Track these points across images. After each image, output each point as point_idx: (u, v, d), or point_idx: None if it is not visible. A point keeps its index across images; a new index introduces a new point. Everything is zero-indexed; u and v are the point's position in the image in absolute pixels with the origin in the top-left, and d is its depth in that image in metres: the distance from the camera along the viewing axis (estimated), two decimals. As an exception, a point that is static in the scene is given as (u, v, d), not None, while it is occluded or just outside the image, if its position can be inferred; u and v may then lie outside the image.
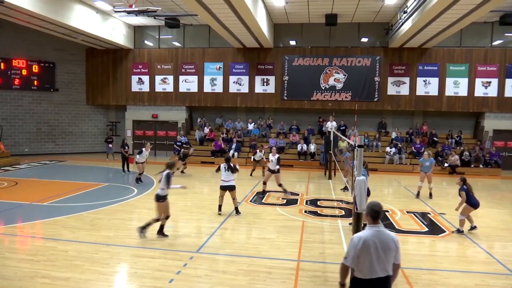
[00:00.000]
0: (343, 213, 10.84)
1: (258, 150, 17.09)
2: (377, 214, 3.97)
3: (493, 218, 10.73)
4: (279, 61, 22.48)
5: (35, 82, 23.18)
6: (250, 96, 22.96)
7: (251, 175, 17.00)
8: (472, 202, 8.92)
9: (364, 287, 3.92)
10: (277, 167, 12.80)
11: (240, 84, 23.02)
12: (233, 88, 23.11)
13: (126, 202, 11.72)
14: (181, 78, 23.57)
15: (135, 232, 8.35)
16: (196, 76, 23.39)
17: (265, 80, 22.81)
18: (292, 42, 23.14)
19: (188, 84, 23.50)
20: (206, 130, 23.16)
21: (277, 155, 12.98)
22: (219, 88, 23.24)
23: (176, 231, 9.02)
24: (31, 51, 22.91)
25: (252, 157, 17.25)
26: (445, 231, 9.37)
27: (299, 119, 23.24)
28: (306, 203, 11.93)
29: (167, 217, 8.37)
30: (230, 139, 21.89)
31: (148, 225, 8.25)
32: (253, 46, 21.98)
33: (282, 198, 12.56)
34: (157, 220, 8.30)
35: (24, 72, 22.80)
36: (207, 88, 23.34)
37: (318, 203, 12.02)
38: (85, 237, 8.30)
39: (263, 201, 12.26)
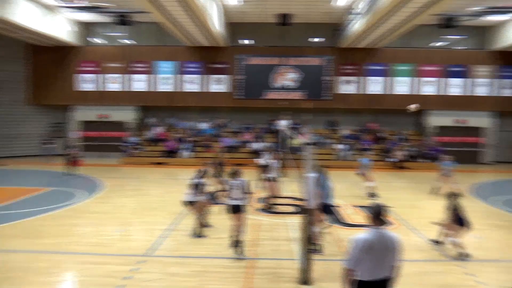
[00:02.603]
0: (296, 210, 11.01)
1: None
2: (378, 215, 3.92)
3: (435, 209, 11.26)
4: (233, 60, 22.49)
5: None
6: (203, 95, 22.79)
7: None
8: (458, 220, 7.62)
9: None
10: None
11: (193, 83, 22.80)
12: (186, 87, 22.84)
13: (72, 207, 11.23)
14: (132, 77, 22.97)
15: (82, 238, 8.02)
16: (148, 75, 22.88)
17: (219, 79, 22.75)
18: (247, 41, 23.22)
19: (140, 83, 22.95)
20: (158, 130, 22.71)
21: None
22: (171, 88, 22.89)
23: (127, 234, 8.78)
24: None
25: None
26: (392, 224, 9.79)
27: (252, 118, 23.40)
28: (260, 202, 12.00)
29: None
30: (183, 139, 21.61)
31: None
32: (207, 45, 21.82)
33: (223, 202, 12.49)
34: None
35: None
36: (159, 87, 22.92)
37: (272, 201, 12.10)
38: (24, 245, 7.86)
39: (216, 201, 12.17)
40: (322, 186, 7.65)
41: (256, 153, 20.68)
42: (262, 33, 22.57)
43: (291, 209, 11.20)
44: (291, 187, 14.39)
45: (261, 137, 21.77)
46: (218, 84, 22.76)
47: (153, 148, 21.83)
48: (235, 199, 7.45)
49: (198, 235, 8.49)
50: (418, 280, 6.41)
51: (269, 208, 11.18)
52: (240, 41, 23.11)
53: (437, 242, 8.06)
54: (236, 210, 7.47)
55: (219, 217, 10.15)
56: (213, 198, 12.11)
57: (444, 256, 7.59)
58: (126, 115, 23.30)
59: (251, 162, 20.09)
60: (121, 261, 7.10)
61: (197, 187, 8.59)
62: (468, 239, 7.85)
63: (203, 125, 23.17)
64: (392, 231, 8.19)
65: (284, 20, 19.76)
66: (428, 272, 6.81)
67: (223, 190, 12.30)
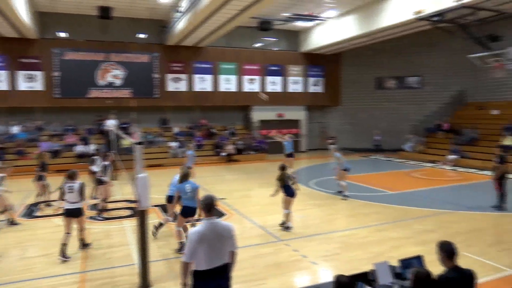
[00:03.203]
0: (130, 213, 10.55)
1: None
2: (209, 206, 4.04)
3: (264, 196, 12.31)
4: (48, 54, 20.05)
5: None
6: (11, 94, 19.69)
7: None
8: (288, 192, 8.80)
9: (204, 278, 3.94)
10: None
11: (-3, 81, 19.51)
12: (-13, 85, 19.38)
13: None
14: None
15: None
16: None
17: (30, 76, 19.97)
18: (63, 34, 20.90)
19: None
20: (-48, 137, 18.70)
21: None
22: (-33, 85, 19.11)
23: None
24: None
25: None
26: (226, 214, 10.29)
27: (75, 119, 21.31)
28: (90, 209, 11.07)
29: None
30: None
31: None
32: (11, 36, 18.85)
33: (60, 207, 11.27)
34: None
35: None
36: (-51, 85, 18.87)
37: (103, 206, 11.31)
38: None
39: (37, 214, 10.76)
40: (183, 189, 7.44)
41: (83, 157, 19.06)
42: (81, 26, 20.67)
43: (125, 212, 10.69)
44: (124, 189, 13.78)
45: (87, 139, 20.07)
46: (31, 82, 19.99)
47: None
48: (72, 202, 7.29)
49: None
50: (253, 264, 6.88)
51: (101, 214, 10.39)
52: (58, 34, 20.67)
53: (283, 225, 8.84)
54: (73, 214, 7.33)
55: (42, 231, 9.03)
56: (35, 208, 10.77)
57: (274, 237, 8.34)
58: None
59: (77, 167, 18.27)
60: None
61: None
62: (294, 219, 8.85)
63: (14, 129, 20.01)
64: (226, 220, 8.58)
65: (105, 13, 18.47)
66: (262, 254, 7.38)
67: (47, 201, 11.06)
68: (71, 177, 7.41)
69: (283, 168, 8.87)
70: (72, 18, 20.40)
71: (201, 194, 7.78)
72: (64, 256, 7.10)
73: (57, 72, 20.17)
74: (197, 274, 3.98)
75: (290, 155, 14.20)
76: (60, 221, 9.89)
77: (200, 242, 3.91)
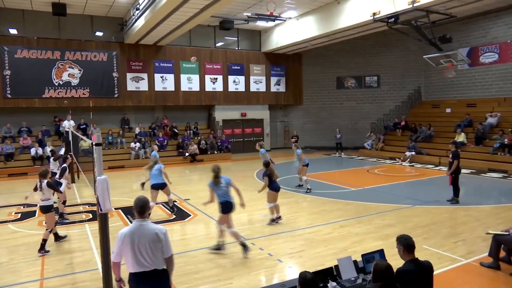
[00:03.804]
0: (91, 216, 10.23)
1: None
2: (141, 208, 3.98)
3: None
4: (-2, 52, 19.02)
5: None
6: (-42, 94, 18.57)
7: None
8: (273, 186, 9.11)
9: (136, 280, 3.90)
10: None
11: None
12: None
13: None
14: None
15: None
16: None
17: (-21, 75, 18.89)
18: (13, 31, 19.86)
19: None
20: None
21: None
22: None
23: None
24: None
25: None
26: (191, 215, 10.19)
27: (30, 120, 20.33)
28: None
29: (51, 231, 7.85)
30: None
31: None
32: (-44, 32, 17.77)
33: (15, 213, 10.77)
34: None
35: None
36: None
37: (64, 209, 10.89)
38: None
39: (-11, 220, 10.21)
40: (219, 186, 7.50)
41: (39, 159, 18.30)
42: (35, 23, 19.72)
43: (86, 216, 10.34)
44: (83, 192, 13.36)
45: (43, 140, 19.23)
46: (-20, 81, 18.88)
47: None
48: (42, 200, 7.74)
49: None
50: (219, 263, 6.86)
51: (65, 217, 10.02)
52: (5, 31, 19.58)
53: (273, 220, 9.08)
54: (42, 210, 7.77)
55: (-6, 239, 8.59)
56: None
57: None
58: None
59: (33, 170, 17.70)
60: None
61: None
62: (257, 219, 8.88)
63: (-38, 131, 18.90)
64: (190, 221, 8.49)
65: (60, 10, 17.73)
66: (228, 254, 7.36)
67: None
68: (44, 175, 7.83)
69: (267, 164, 9.14)
70: (25, 14, 19.45)
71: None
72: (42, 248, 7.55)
73: (8, 70, 19.13)
74: (131, 276, 3.95)
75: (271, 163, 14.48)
76: (15, 227, 9.48)
77: (125, 243, 3.86)
